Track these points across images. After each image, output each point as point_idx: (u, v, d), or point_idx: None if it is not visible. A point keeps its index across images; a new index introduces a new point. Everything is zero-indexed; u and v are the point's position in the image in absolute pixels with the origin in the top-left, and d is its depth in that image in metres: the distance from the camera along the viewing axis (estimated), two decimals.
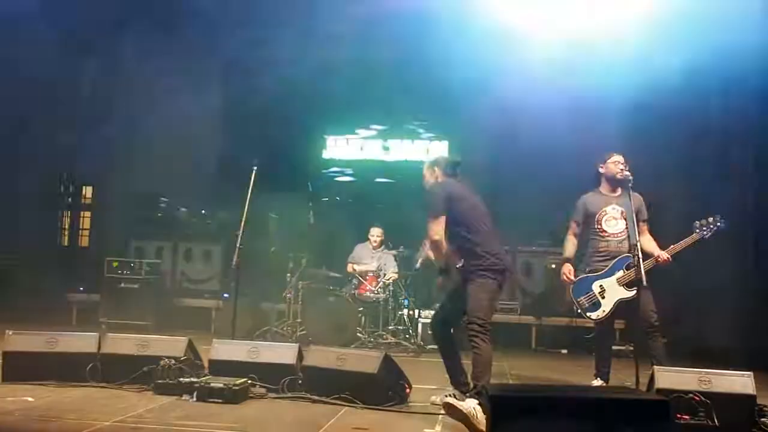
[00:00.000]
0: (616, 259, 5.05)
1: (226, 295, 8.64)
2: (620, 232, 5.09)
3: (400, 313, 7.88)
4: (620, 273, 5.00)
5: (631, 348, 6.80)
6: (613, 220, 5.14)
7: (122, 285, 8.43)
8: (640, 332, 4.93)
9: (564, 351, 8.06)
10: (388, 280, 7.79)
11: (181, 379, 4.60)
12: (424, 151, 10.39)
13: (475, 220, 4.46)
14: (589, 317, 5.12)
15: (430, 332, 5.66)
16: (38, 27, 7.94)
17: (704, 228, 4.88)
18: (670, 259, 4.91)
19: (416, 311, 7.90)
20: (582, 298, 5.12)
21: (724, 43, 6.81)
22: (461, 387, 4.53)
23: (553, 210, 8.51)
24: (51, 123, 9.65)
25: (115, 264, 8.51)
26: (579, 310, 5.18)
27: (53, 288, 8.88)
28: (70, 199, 10.61)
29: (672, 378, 4.15)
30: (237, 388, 4.46)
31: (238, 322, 5.74)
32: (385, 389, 4.55)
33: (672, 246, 4.93)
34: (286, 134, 9.89)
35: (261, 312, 8.50)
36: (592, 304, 5.08)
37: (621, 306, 5.00)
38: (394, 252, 8.11)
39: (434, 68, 9.31)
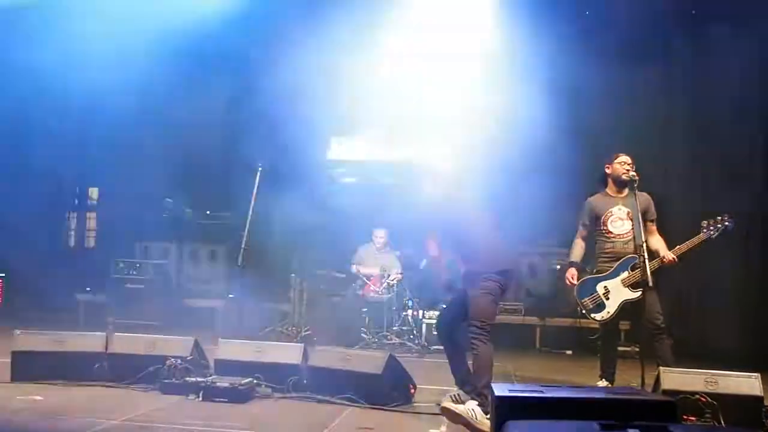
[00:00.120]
0: (621, 260, 5.02)
1: (231, 295, 8.66)
2: (626, 233, 5.07)
3: (404, 313, 7.89)
4: (625, 274, 4.98)
5: (637, 349, 6.79)
6: (619, 221, 5.12)
7: (128, 285, 8.48)
8: (645, 333, 4.92)
9: (569, 352, 8.04)
10: (392, 280, 7.80)
11: (188, 378, 4.63)
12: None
13: (480, 226, 4.46)
14: (593, 318, 5.11)
15: (435, 333, 5.66)
16: None
17: (711, 228, 4.85)
18: (676, 260, 4.89)
19: (420, 312, 7.90)
20: (586, 299, 5.11)
21: None
22: (466, 387, 4.53)
23: (559, 210, 8.54)
24: (58, 125, 9.72)
25: (121, 265, 8.56)
26: (583, 311, 5.17)
27: (60, 288, 8.91)
28: (76, 201, 10.65)
29: (678, 379, 4.14)
30: (243, 387, 4.48)
31: (244, 322, 5.76)
32: (389, 389, 4.56)
33: (678, 246, 4.90)
34: (291, 135, 9.92)
35: (266, 312, 8.53)
36: (597, 305, 5.07)
37: (626, 307, 4.98)
38: (398, 253, 8.13)
39: None
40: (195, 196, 9.65)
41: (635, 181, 4.98)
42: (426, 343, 7.53)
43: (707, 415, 3.93)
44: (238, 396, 4.43)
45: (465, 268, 4.45)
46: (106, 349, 4.96)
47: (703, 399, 3.97)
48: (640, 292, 4.83)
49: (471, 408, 4.00)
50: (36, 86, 8.64)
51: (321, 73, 9.38)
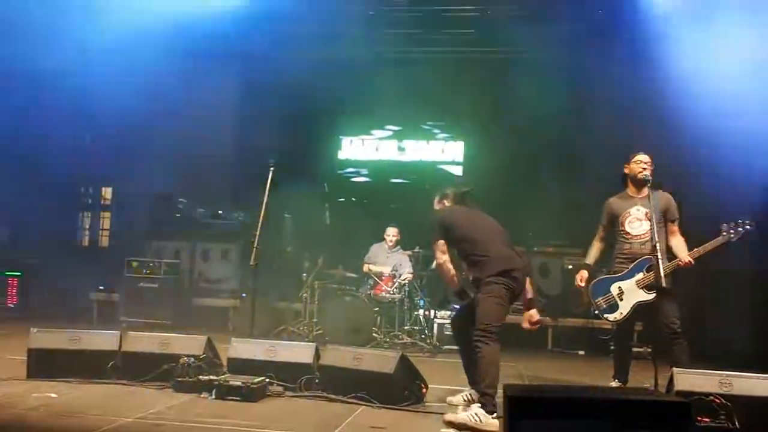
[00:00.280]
0: (637, 261, 4.96)
1: (243, 294, 8.70)
2: (643, 234, 4.97)
3: (415, 313, 7.90)
4: (640, 275, 4.91)
5: (650, 350, 6.75)
6: (637, 222, 5.03)
7: (142, 284, 8.52)
8: (660, 335, 4.86)
9: (581, 352, 8.01)
10: (403, 280, 7.80)
11: (201, 377, 4.65)
12: (440, 151, 10.40)
13: (479, 234, 4.47)
14: (606, 319, 5.07)
15: (451, 332, 5.68)
16: None
17: (731, 231, 4.76)
18: (692, 263, 4.80)
19: (432, 311, 7.91)
20: (600, 299, 5.07)
21: None
22: (478, 387, 4.53)
23: (570, 210, 8.52)
24: (72, 125, 9.80)
25: (134, 264, 8.61)
26: (596, 311, 5.14)
27: (74, 287, 8.99)
28: (90, 200, 10.74)
29: (692, 380, 4.10)
30: (255, 386, 4.50)
31: (256, 321, 5.78)
32: (401, 389, 4.56)
33: (696, 249, 4.82)
34: (302, 135, 9.96)
35: (278, 311, 8.56)
36: (610, 305, 5.02)
37: (639, 309, 4.91)
38: (409, 252, 8.13)
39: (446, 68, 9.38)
40: (207, 196, 9.71)
41: (648, 180, 4.95)
42: (437, 343, 7.54)
43: (721, 417, 3.90)
44: (250, 395, 4.45)
45: (470, 275, 4.48)
46: (120, 347, 4.99)
47: (718, 400, 3.94)
48: (654, 294, 4.79)
49: (473, 413, 4.01)
50: (48, 86, 8.72)
51: (330, 69, 9.42)
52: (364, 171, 10.62)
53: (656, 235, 4.73)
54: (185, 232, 9.36)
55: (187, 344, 4.97)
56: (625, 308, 4.96)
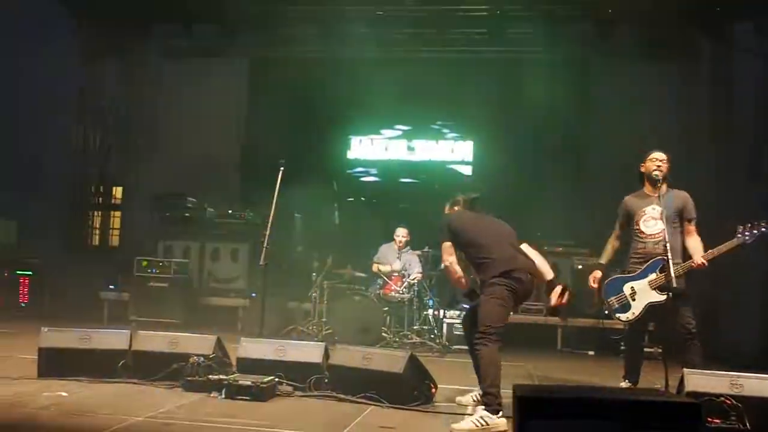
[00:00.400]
0: (650, 262, 4.89)
1: (253, 294, 8.72)
2: (658, 233, 4.86)
3: (425, 313, 7.89)
4: (653, 276, 4.85)
5: (660, 350, 6.71)
6: (652, 221, 4.95)
7: (151, 284, 8.55)
8: (670, 334, 4.83)
9: (591, 352, 7.98)
10: (413, 280, 7.80)
11: (210, 376, 4.66)
12: (449, 150, 10.39)
13: (485, 238, 4.48)
14: (618, 318, 5.04)
15: (462, 332, 5.67)
16: None
17: (747, 233, 4.68)
18: (706, 265, 4.73)
19: (441, 311, 7.90)
20: (612, 298, 5.02)
21: None
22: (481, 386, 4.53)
23: (579, 210, 8.49)
24: (82, 125, 9.86)
25: (144, 263, 8.64)
26: (608, 311, 5.11)
27: (84, 287, 9.04)
28: (100, 200, 10.79)
29: (702, 381, 4.07)
30: (264, 385, 4.51)
31: (265, 321, 5.79)
32: (410, 389, 4.56)
33: (710, 251, 4.75)
34: (312, 134, 9.98)
35: (287, 311, 8.57)
36: (622, 305, 4.98)
37: (653, 309, 4.85)
38: (418, 252, 8.12)
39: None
40: (217, 195, 9.73)
41: (659, 179, 4.89)
42: (447, 343, 7.54)
43: (732, 418, 3.88)
44: (259, 394, 4.46)
45: (477, 278, 4.50)
46: (130, 346, 5.01)
47: (728, 401, 3.90)
48: (666, 296, 4.73)
49: (478, 418, 4.01)
50: (58, 87, 8.79)
51: (341, 71, 9.44)
52: (374, 171, 10.63)
53: (669, 235, 4.67)
54: (195, 232, 9.39)
55: (197, 344, 4.99)
56: (637, 308, 4.92)
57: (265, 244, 5.72)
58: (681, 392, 4.11)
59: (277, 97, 9.91)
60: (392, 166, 10.49)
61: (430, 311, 7.90)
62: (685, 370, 4.22)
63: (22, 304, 9.16)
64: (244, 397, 4.44)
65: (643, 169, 5.09)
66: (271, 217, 5.81)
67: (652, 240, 4.94)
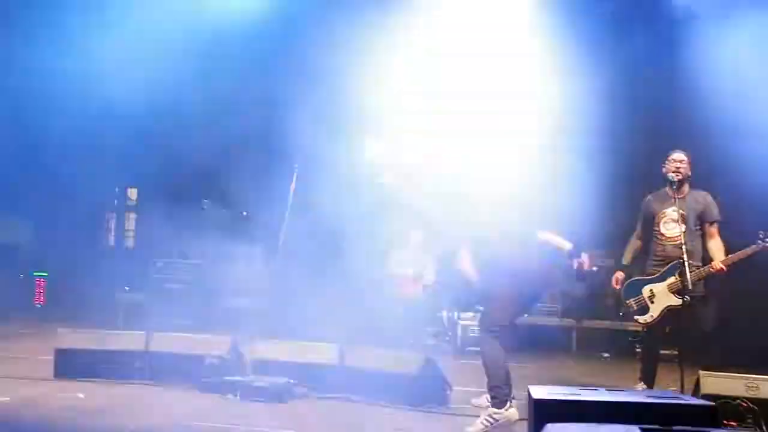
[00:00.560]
0: (670, 265, 4.84)
1: (268, 294, 8.72)
2: (677, 236, 4.76)
3: (439, 314, 7.87)
4: (672, 279, 4.80)
5: (676, 352, 6.65)
6: (672, 223, 4.87)
7: (167, 285, 8.60)
8: (686, 337, 4.79)
9: (606, 354, 7.93)
10: (427, 281, 7.78)
11: (226, 377, 4.68)
12: None
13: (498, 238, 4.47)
14: (636, 320, 5.01)
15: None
16: None
17: (767, 239, 4.65)
18: (725, 269, 4.70)
19: (456, 313, 7.88)
20: (631, 300, 5.00)
21: None
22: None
23: (595, 210, 8.43)
24: (98, 126, 9.92)
25: (159, 264, 8.69)
26: (621, 313, 5.08)
27: (100, 288, 9.10)
28: (116, 201, 10.87)
29: (718, 383, 4.05)
30: (280, 387, 4.52)
31: (280, 322, 5.81)
32: (425, 390, 4.56)
33: (729, 256, 4.72)
34: (327, 135, 9.97)
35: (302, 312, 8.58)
36: (641, 307, 4.94)
37: (671, 313, 4.80)
38: (433, 254, 8.10)
39: None
40: (232, 197, 9.76)
41: (674, 182, 4.80)
42: (461, 345, 7.51)
43: (748, 421, 3.85)
44: (275, 396, 4.47)
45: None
46: (147, 347, 5.04)
47: (744, 404, 3.88)
48: (683, 299, 4.66)
49: (486, 417, 4.03)
50: (74, 88, 8.85)
51: (356, 72, 9.43)
52: (389, 172, 10.59)
53: (689, 238, 4.61)
54: (210, 233, 9.43)
55: (213, 345, 5.01)
56: (655, 311, 4.88)
57: (280, 245, 5.71)
58: (697, 395, 4.08)
59: (292, 97, 9.91)
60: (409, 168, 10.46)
61: (445, 313, 7.88)
62: (700, 372, 4.19)
63: (39, 305, 9.24)
64: (260, 399, 4.46)
65: (664, 169, 4.99)
66: (286, 219, 5.83)
67: (672, 243, 4.88)
